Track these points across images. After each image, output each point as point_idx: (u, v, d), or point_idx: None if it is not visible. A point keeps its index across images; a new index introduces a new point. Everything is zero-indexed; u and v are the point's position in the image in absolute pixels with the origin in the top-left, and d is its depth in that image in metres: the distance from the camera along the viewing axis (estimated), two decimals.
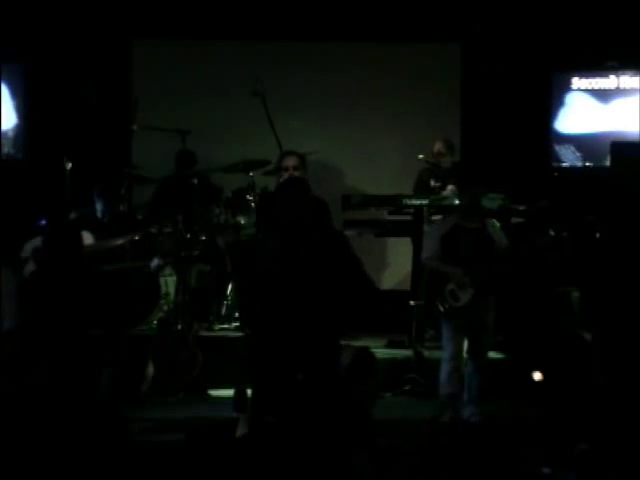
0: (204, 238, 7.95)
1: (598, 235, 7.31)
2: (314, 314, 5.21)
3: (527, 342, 7.30)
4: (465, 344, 6.68)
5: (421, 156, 8.20)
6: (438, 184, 8.08)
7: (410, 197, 7.74)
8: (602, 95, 8.97)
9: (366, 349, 5.54)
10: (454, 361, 6.59)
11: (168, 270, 7.66)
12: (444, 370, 6.59)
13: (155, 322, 7.57)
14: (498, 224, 6.81)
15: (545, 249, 6.89)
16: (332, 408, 4.38)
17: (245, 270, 5.53)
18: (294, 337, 5.27)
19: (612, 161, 7.58)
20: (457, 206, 6.93)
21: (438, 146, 8.33)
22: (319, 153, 8.46)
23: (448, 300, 6.55)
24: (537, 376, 6.59)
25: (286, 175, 6.43)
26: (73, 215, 7.68)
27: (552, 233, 7.27)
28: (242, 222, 8.04)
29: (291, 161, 6.54)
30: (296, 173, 6.41)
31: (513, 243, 6.78)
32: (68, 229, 6.73)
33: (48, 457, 3.78)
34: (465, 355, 6.88)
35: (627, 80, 8.92)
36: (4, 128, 8.35)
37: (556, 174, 8.98)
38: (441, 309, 6.58)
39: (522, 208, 7.48)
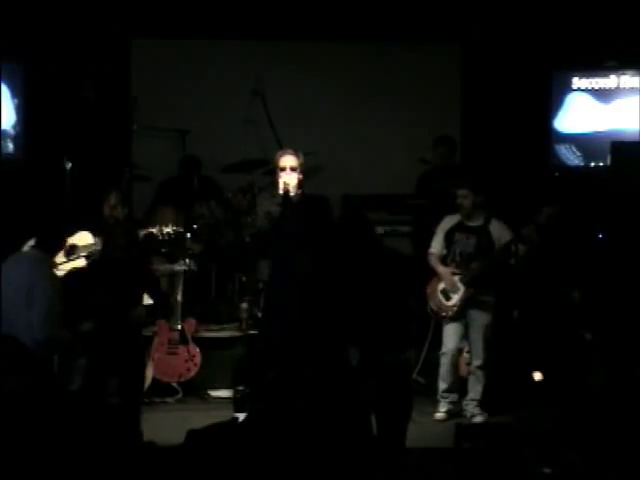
0: (204, 238, 7.95)
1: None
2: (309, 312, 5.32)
3: (527, 342, 7.30)
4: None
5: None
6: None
7: (411, 197, 7.74)
8: (602, 95, 8.95)
9: (375, 350, 5.60)
10: (446, 357, 6.84)
11: (168, 270, 7.65)
12: (440, 366, 6.85)
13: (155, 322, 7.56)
14: (503, 224, 6.88)
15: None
16: (339, 405, 4.39)
17: None
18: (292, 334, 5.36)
19: (612, 161, 7.61)
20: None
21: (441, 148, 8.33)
22: (319, 153, 8.45)
23: (440, 298, 6.76)
24: (537, 376, 6.60)
25: (283, 175, 6.37)
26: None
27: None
28: (242, 222, 8.04)
29: (289, 161, 6.44)
30: (294, 174, 6.38)
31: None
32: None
33: (53, 457, 3.79)
34: (466, 355, 6.97)
35: (627, 80, 8.90)
36: (4, 128, 8.34)
37: (556, 174, 8.97)
38: (432, 308, 6.82)
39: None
